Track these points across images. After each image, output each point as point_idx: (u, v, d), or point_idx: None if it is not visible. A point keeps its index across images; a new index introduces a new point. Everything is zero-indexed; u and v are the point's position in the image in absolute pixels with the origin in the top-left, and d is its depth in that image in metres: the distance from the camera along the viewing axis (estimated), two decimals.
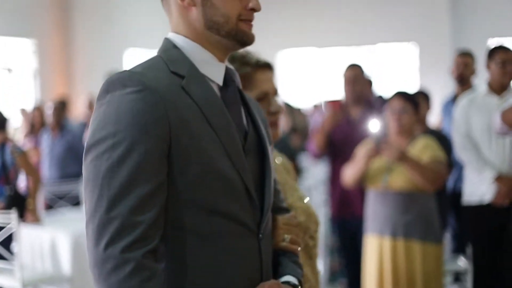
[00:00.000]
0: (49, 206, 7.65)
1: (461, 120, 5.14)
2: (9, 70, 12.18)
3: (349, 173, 4.56)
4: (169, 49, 1.80)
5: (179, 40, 1.80)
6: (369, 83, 5.84)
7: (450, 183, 5.90)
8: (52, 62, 12.63)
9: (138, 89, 1.63)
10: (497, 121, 4.59)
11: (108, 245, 1.56)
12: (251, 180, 1.77)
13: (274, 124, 2.34)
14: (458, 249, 6.03)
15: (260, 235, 1.79)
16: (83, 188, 1.65)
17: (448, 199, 5.85)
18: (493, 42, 12.18)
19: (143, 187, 1.59)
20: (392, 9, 14.10)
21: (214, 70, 1.81)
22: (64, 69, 12.77)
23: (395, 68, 14.47)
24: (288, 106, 8.80)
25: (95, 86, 9.88)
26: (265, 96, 2.33)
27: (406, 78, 14.18)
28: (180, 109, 1.67)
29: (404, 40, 14.25)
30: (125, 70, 1.70)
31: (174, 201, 1.66)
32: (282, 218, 1.95)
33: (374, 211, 4.46)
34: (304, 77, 15.30)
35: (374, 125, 4.34)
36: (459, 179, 5.81)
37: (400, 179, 4.34)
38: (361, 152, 4.48)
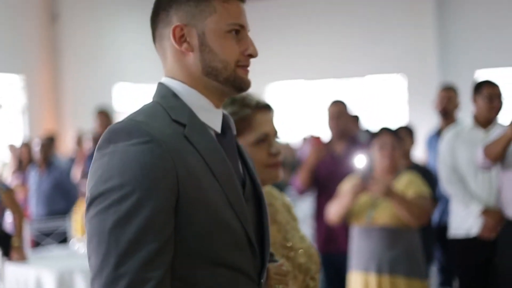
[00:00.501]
0: (37, 243, 7.61)
1: (447, 153, 5.17)
2: None
3: (334, 210, 4.55)
4: (167, 95, 1.75)
5: (176, 86, 1.76)
6: (353, 118, 5.88)
7: (435, 217, 5.92)
8: (40, 98, 12.62)
9: (144, 140, 1.58)
10: (480, 155, 4.62)
11: None
12: (252, 230, 1.75)
13: (275, 166, 2.33)
14: (445, 283, 6.02)
15: (261, 284, 1.77)
16: (87, 243, 1.59)
17: (434, 232, 5.86)
18: (480, 74, 12.30)
19: (153, 243, 1.54)
20: (380, 41, 14.17)
21: (212, 117, 1.78)
22: (52, 105, 12.77)
23: (384, 100, 14.52)
24: None
25: (84, 121, 9.90)
26: (265, 138, 2.32)
27: (394, 110, 14.23)
28: (186, 159, 1.62)
29: (392, 72, 14.31)
30: (129, 119, 1.65)
31: (179, 253, 1.61)
32: (272, 267, 1.93)
33: (359, 247, 4.45)
34: (293, 110, 15.34)
35: (360, 160, 4.35)
36: (445, 212, 5.83)
37: (385, 214, 4.34)
38: (346, 188, 4.48)
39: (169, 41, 1.75)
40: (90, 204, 1.58)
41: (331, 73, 15.00)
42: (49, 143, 8.79)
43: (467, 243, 5.13)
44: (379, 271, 4.32)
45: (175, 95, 1.74)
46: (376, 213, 4.36)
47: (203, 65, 1.75)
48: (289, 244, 2.29)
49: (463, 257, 5.20)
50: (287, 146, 10.07)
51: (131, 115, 1.70)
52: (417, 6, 13.95)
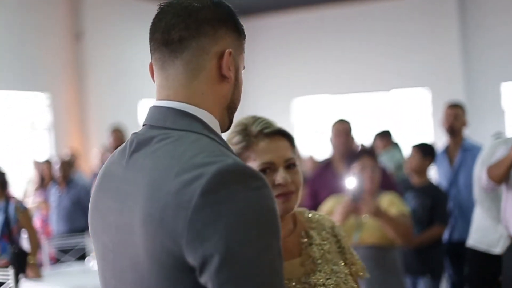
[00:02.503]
0: (57, 260, 7.75)
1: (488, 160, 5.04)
2: (26, 124, 12.37)
3: None
4: (206, 127, 1.58)
5: (206, 117, 1.60)
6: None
7: (445, 233, 5.90)
8: (66, 115, 12.78)
9: (262, 183, 1.43)
10: (484, 177, 4.60)
11: None
12: None
13: (281, 196, 2.15)
14: None
15: None
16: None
17: (445, 249, 5.85)
18: (506, 87, 12.20)
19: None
20: (405, 55, 14.16)
21: None
22: (77, 122, 12.92)
23: (409, 114, 14.48)
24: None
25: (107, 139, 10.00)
26: (268, 167, 2.17)
27: (419, 124, 14.18)
28: None
29: (417, 86, 14.27)
30: (235, 162, 1.45)
31: None
32: None
33: None
34: (318, 125, 15.35)
35: (350, 181, 4.40)
36: (455, 229, 5.83)
37: (372, 234, 4.44)
38: (337, 209, 4.52)
39: (212, 61, 1.61)
40: (225, 262, 1.35)
41: (356, 88, 15.00)
42: (69, 161, 8.93)
43: (486, 258, 5.09)
44: None
45: (209, 127, 1.59)
46: (362, 233, 4.43)
47: (231, 99, 1.67)
48: (304, 280, 2.12)
49: (478, 269, 5.17)
50: (310, 161, 10.05)
51: (206, 154, 1.47)
52: (441, 20, 13.92)
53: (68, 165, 8.51)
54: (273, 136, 2.20)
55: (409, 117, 14.46)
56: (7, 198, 6.32)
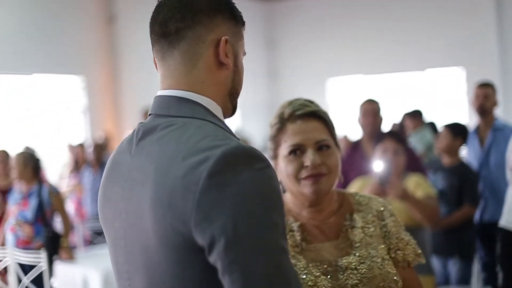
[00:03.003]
0: (90, 242, 7.86)
1: None
2: (61, 107, 12.50)
3: None
4: (209, 113, 1.64)
5: (210, 104, 1.65)
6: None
7: (477, 215, 5.85)
8: (100, 98, 12.89)
9: (266, 164, 1.48)
10: (510, 158, 4.55)
11: None
12: None
13: (307, 179, 2.16)
14: (489, 281, 5.94)
15: None
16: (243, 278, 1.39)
17: (476, 230, 5.80)
18: None
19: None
20: (439, 34, 14.01)
21: None
22: (112, 105, 13.02)
23: (443, 94, 14.35)
24: None
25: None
26: (297, 149, 2.18)
27: (454, 104, 14.05)
28: None
29: (452, 65, 14.12)
30: (239, 145, 1.49)
31: None
32: None
33: None
34: (353, 105, 15.29)
35: (377, 164, 4.39)
36: (485, 210, 5.77)
37: (398, 216, 4.38)
38: (364, 191, 4.52)
39: (209, 49, 1.66)
40: (236, 240, 1.40)
41: (390, 68, 14.90)
42: (102, 144, 9.02)
43: None
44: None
45: (211, 113, 1.64)
46: None
47: (232, 85, 1.71)
48: (335, 263, 2.10)
49: (510, 250, 5.11)
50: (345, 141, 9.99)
51: (210, 138, 1.52)
52: None
53: (101, 148, 8.61)
54: (304, 118, 2.21)
55: (443, 97, 14.33)
56: (41, 182, 6.41)
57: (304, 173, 2.16)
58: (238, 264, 1.39)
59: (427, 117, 10.80)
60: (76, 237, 8.38)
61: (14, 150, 6.98)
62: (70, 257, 6.20)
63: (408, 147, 5.30)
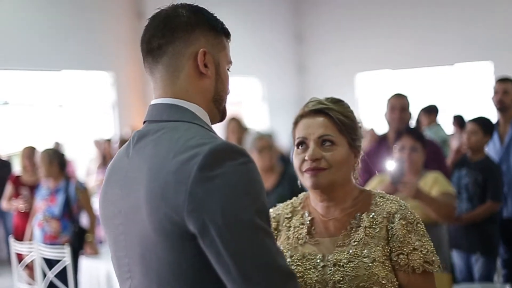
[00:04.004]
0: None
1: None
2: (91, 102, 12.65)
3: None
4: (196, 117, 1.81)
5: (195, 109, 1.83)
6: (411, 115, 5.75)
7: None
8: (129, 94, 13.01)
9: (249, 159, 1.67)
10: None
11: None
12: None
13: (307, 172, 2.25)
14: (509, 279, 5.93)
15: None
16: (235, 259, 1.59)
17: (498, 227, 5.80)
18: None
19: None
20: (468, 29, 13.94)
21: None
22: (140, 101, 13.12)
23: (472, 88, 14.26)
24: None
25: None
26: (302, 143, 2.29)
27: (483, 98, 13.96)
28: None
29: (481, 59, 14.03)
30: (224, 142, 1.68)
31: None
32: None
33: None
34: (382, 99, 15.25)
35: (390, 164, 4.41)
36: (505, 207, 5.76)
37: (414, 212, 4.41)
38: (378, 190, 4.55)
39: (189, 61, 1.83)
40: (233, 225, 1.59)
41: (418, 62, 14.85)
42: (128, 139, 9.13)
43: None
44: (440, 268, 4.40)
45: (198, 118, 1.82)
46: None
47: (215, 92, 1.88)
48: (327, 257, 2.20)
49: None
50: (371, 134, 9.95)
51: (198, 137, 1.70)
52: None
53: None
54: (313, 114, 2.29)
55: (472, 92, 14.24)
56: (67, 178, 6.54)
57: (305, 166, 2.25)
58: (229, 247, 1.58)
59: (456, 112, 10.79)
60: (103, 232, 8.52)
61: (44, 146, 7.11)
62: (95, 252, 6.33)
63: (431, 143, 5.26)
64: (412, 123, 5.59)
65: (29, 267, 6.19)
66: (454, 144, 8.71)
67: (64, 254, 5.46)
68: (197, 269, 1.65)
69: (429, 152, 4.89)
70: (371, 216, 2.26)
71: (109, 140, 9.79)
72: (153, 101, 1.87)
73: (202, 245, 1.61)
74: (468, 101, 14.01)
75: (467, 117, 10.09)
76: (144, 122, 1.89)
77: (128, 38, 12.98)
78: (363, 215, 2.27)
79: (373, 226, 2.24)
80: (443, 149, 6.76)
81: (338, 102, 2.34)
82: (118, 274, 1.90)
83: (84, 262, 6.29)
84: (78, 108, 12.60)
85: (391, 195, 2.38)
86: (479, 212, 5.45)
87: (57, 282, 5.60)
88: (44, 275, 5.60)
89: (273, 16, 16.12)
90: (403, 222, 2.25)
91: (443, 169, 5.04)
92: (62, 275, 5.57)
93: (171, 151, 1.68)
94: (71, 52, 12.00)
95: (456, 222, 5.46)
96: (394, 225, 2.24)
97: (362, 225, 2.24)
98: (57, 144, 10.65)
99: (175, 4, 1.90)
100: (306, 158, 2.24)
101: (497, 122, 6.04)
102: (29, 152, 7.40)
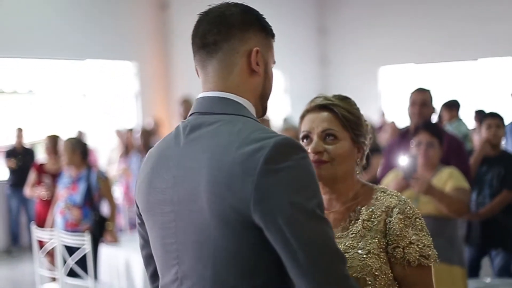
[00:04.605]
0: (135, 226, 8.06)
1: None
2: (114, 92, 12.75)
3: None
4: (248, 112, 1.90)
5: (246, 104, 1.92)
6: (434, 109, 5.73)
7: None
8: (152, 84, 13.09)
9: (307, 154, 1.80)
10: None
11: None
12: None
13: (313, 163, 2.21)
14: None
15: None
16: (299, 247, 1.70)
17: None
18: None
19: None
20: (492, 24, 13.87)
21: None
22: (163, 91, 13.20)
23: (495, 83, 14.19)
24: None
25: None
26: (305, 136, 2.37)
27: (506, 93, 13.88)
28: None
29: (504, 55, 13.97)
30: (286, 137, 1.78)
31: None
32: None
33: None
34: (403, 94, 15.25)
35: (402, 159, 4.45)
36: None
37: (428, 206, 4.45)
38: (390, 184, 4.58)
39: (242, 58, 1.91)
40: (299, 212, 1.70)
41: (441, 57, 14.80)
42: (149, 130, 9.21)
43: None
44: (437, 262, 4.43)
45: (249, 112, 1.91)
46: (420, 204, 4.46)
47: (262, 89, 1.97)
48: None
49: None
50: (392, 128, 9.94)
51: (260, 131, 1.80)
52: None
53: (148, 134, 8.79)
54: (317, 109, 2.38)
55: (495, 87, 14.18)
56: (89, 167, 6.62)
57: None
58: (296, 235, 1.69)
59: (479, 107, 10.76)
60: (121, 221, 8.62)
61: (67, 135, 7.21)
62: (115, 240, 6.44)
63: (452, 138, 5.26)
64: (435, 118, 5.56)
65: (50, 254, 6.28)
66: (476, 139, 8.71)
67: (84, 241, 5.53)
68: (253, 257, 1.75)
69: (450, 147, 4.91)
70: (370, 209, 2.31)
71: (131, 130, 9.87)
72: (203, 94, 1.95)
73: (267, 234, 1.71)
74: (491, 96, 13.95)
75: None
76: (191, 114, 1.95)
77: (152, 29, 13.07)
78: (362, 208, 2.32)
79: (371, 219, 2.30)
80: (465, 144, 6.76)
81: (344, 99, 2.41)
82: (162, 260, 1.96)
83: (104, 250, 6.39)
84: (102, 97, 12.71)
85: (393, 191, 2.42)
86: (495, 203, 5.51)
87: (77, 269, 5.68)
88: (65, 261, 5.68)
89: (296, 9, 16.13)
90: (401, 216, 2.29)
91: (464, 165, 5.03)
92: (82, 262, 5.64)
93: (233, 142, 1.76)
94: (96, 42, 12.11)
95: (474, 218, 5.49)
96: (392, 219, 2.28)
97: (360, 218, 2.29)
98: (80, 133, 10.77)
99: (227, 2, 1.97)
100: (309, 150, 2.30)
101: None
102: (52, 140, 7.49)
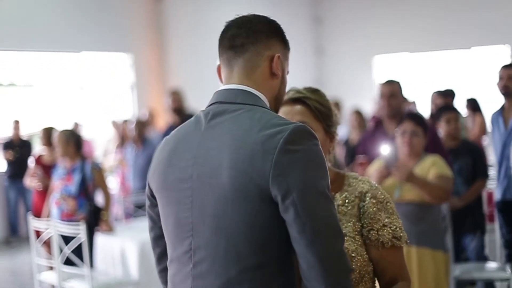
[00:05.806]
0: (130, 215, 8.20)
1: None
2: (110, 84, 12.84)
3: None
4: (266, 105, 2.13)
5: (265, 100, 2.14)
6: (405, 99, 5.89)
7: (499, 193, 6.01)
8: (148, 76, 13.18)
9: (318, 141, 2.02)
10: None
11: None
12: None
13: None
14: (510, 259, 6.07)
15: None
16: (308, 221, 1.90)
17: (498, 207, 6.01)
18: None
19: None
20: (485, 12, 13.93)
21: None
22: (159, 82, 13.28)
23: (489, 71, 14.28)
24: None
25: (189, 98, 10.30)
26: None
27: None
28: None
29: (497, 43, 14.05)
30: (303, 125, 2.01)
31: None
32: None
33: None
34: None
35: (384, 148, 4.59)
36: (508, 189, 5.90)
37: (411, 193, 4.61)
38: (372, 173, 4.72)
39: (265, 62, 2.16)
40: (310, 189, 1.93)
41: (435, 46, 14.86)
42: (143, 121, 9.32)
43: None
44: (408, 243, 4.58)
45: (267, 105, 2.13)
46: (402, 191, 4.61)
47: (278, 92, 2.20)
48: None
49: None
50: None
51: (278, 118, 2.03)
52: None
53: (142, 125, 8.89)
54: (291, 103, 2.53)
55: (488, 75, 14.26)
56: (83, 158, 6.74)
57: None
58: (307, 209, 1.90)
59: (472, 95, 10.86)
60: (117, 211, 8.75)
61: (64, 126, 7.31)
62: (110, 229, 6.57)
63: (432, 128, 5.42)
64: (406, 107, 5.75)
65: (47, 243, 6.41)
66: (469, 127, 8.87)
67: (79, 231, 5.66)
68: (267, 228, 1.95)
69: (429, 140, 5.07)
70: (343, 195, 2.44)
71: (126, 121, 9.98)
72: (225, 86, 2.16)
73: (280, 206, 1.92)
74: (484, 84, 14.03)
75: (482, 101, 10.22)
76: (212, 104, 2.14)
77: (147, 21, 13.14)
78: (336, 194, 2.45)
79: (346, 204, 2.43)
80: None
81: (315, 91, 2.56)
82: (174, 234, 2.13)
83: (100, 238, 6.52)
84: (98, 89, 12.80)
85: (364, 177, 2.56)
86: (472, 192, 5.90)
87: (73, 258, 5.81)
88: (61, 250, 5.82)
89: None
90: (374, 201, 2.42)
91: (442, 152, 5.20)
92: (78, 251, 5.77)
93: (255, 126, 1.98)
94: (91, 34, 12.19)
95: (455, 204, 5.68)
96: (366, 203, 2.42)
97: (335, 203, 2.41)
98: (76, 124, 10.89)
99: (254, 14, 2.23)
100: None
101: (503, 107, 6.15)
102: (48, 132, 7.61)
